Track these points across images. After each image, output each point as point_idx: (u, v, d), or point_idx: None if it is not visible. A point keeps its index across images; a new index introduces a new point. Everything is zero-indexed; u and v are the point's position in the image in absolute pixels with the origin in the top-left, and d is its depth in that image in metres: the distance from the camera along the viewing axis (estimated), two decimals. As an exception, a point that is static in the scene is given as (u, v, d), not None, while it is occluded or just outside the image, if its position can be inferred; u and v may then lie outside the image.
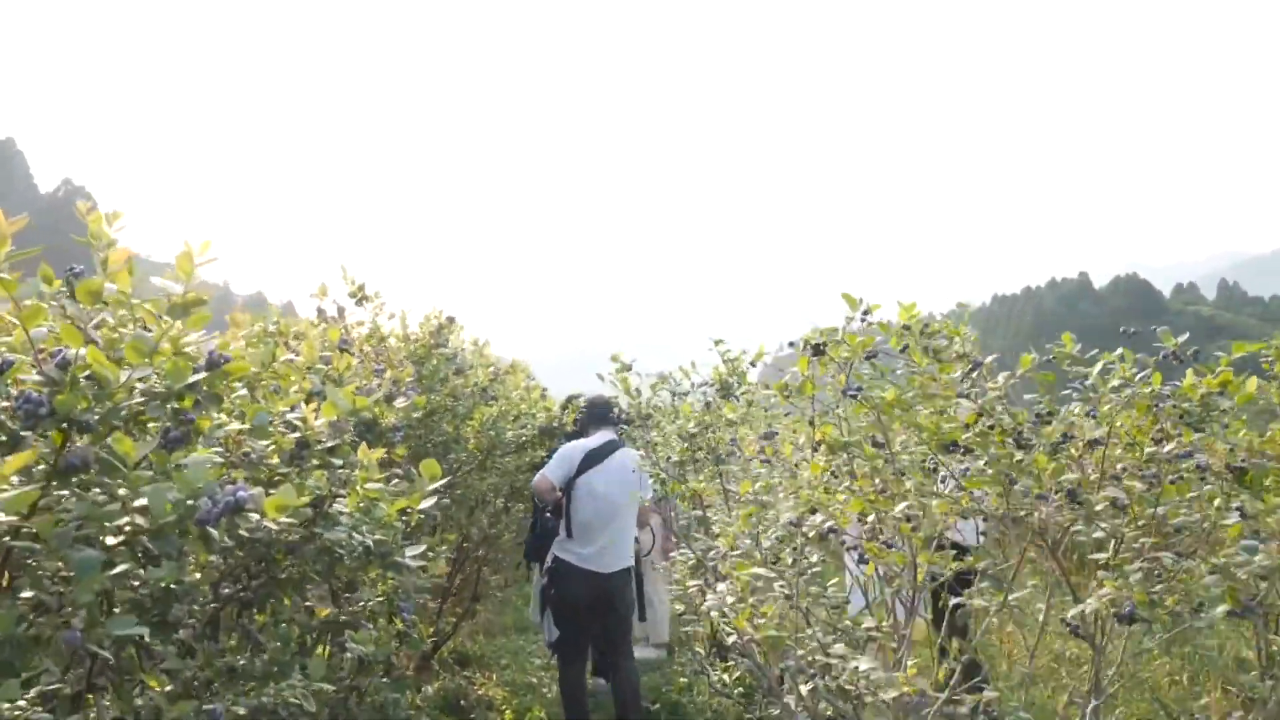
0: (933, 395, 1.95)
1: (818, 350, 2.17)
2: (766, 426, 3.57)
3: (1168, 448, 2.01)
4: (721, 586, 2.42)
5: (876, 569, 2.31)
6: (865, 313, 2.15)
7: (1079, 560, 3.95)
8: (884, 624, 2.20)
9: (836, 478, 2.41)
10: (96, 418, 1.34)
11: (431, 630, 5.01)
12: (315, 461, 1.81)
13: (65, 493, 1.32)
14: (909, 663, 2.11)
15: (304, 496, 1.55)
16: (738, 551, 2.49)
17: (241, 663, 1.80)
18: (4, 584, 1.33)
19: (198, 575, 1.63)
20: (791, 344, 2.39)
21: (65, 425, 1.31)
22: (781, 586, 2.21)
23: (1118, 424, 2.14)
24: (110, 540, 1.28)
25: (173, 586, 1.47)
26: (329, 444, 1.82)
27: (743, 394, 3.64)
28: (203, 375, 1.47)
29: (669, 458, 3.53)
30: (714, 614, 2.42)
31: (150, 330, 1.49)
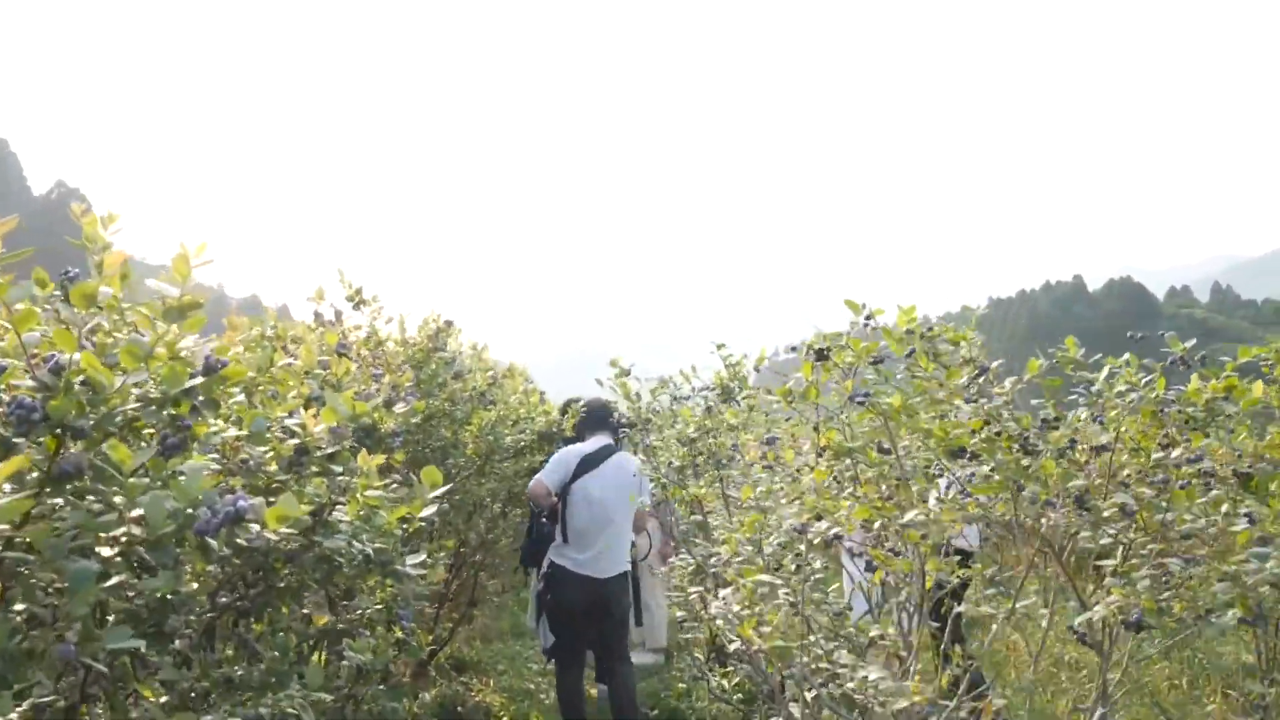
0: (939, 401, 1.93)
1: (821, 355, 2.15)
2: (766, 431, 3.56)
3: (1175, 453, 2.00)
4: (724, 593, 2.40)
5: (885, 576, 2.28)
6: (869, 317, 2.13)
7: (1076, 564, 3.93)
8: (891, 631, 2.17)
9: (839, 483, 2.39)
10: (91, 424, 1.31)
11: (429, 637, 4.97)
12: (315, 468, 1.79)
13: (59, 501, 1.30)
14: (914, 670, 2.10)
15: (304, 504, 1.52)
16: (740, 558, 2.46)
17: (239, 673, 1.77)
18: (-3, 596, 1.30)
19: (195, 585, 1.60)
20: (793, 348, 2.37)
21: (59, 431, 1.28)
22: (786, 594, 2.19)
23: (1123, 429, 2.13)
24: (106, 551, 1.25)
25: (169, 597, 1.44)
26: (329, 450, 1.79)
27: (744, 399, 3.62)
28: (199, 380, 1.44)
29: (670, 463, 3.51)
30: (719, 621, 2.40)
31: (145, 334, 1.47)
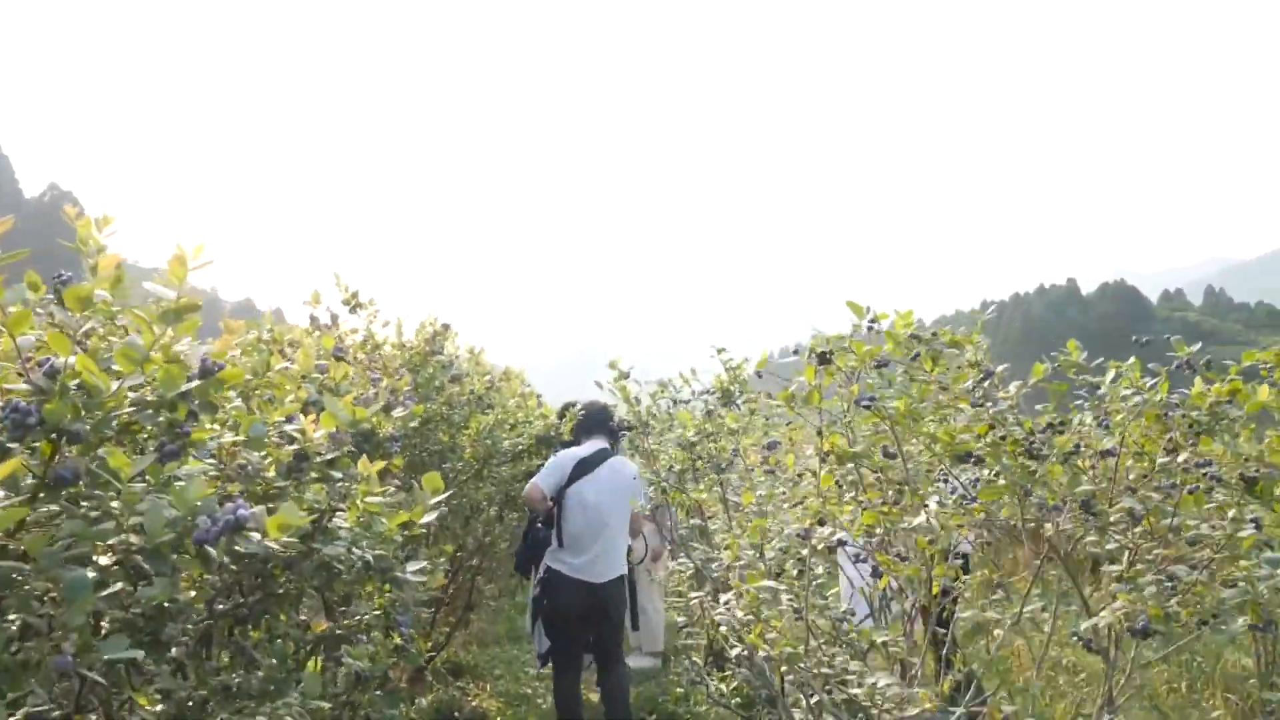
0: (946, 405, 1.92)
1: (824, 359, 2.13)
2: (764, 435, 3.54)
3: (1182, 457, 1.98)
4: (726, 598, 2.38)
5: (891, 581, 2.26)
6: (873, 321, 2.11)
7: (1076, 568, 3.93)
8: (899, 637, 2.15)
9: (841, 488, 2.37)
10: (87, 428, 1.28)
11: (429, 644, 4.95)
12: (314, 475, 1.76)
13: (54, 508, 1.27)
14: (919, 676, 2.08)
15: (303, 511, 1.50)
16: (741, 562, 2.44)
17: (237, 680, 1.75)
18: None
19: (192, 593, 1.57)
20: (795, 351, 2.35)
21: (54, 436, 1.26)
22: (790, 600, 2.16)
23: (1127, 434, 2.11)
24: (103, 560, 1.23)
25: (166, 605, 1.41)
26: (328, 456, 1.76)
27: (745, 402, 3.60)
28: (196, 384, 1.42)
29: (670, 467, 3.49)
30: (723, 628, 2.38)
31: (138, 337, 1.44)
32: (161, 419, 1.39)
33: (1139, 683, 4.49)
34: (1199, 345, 2.15)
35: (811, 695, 2.16)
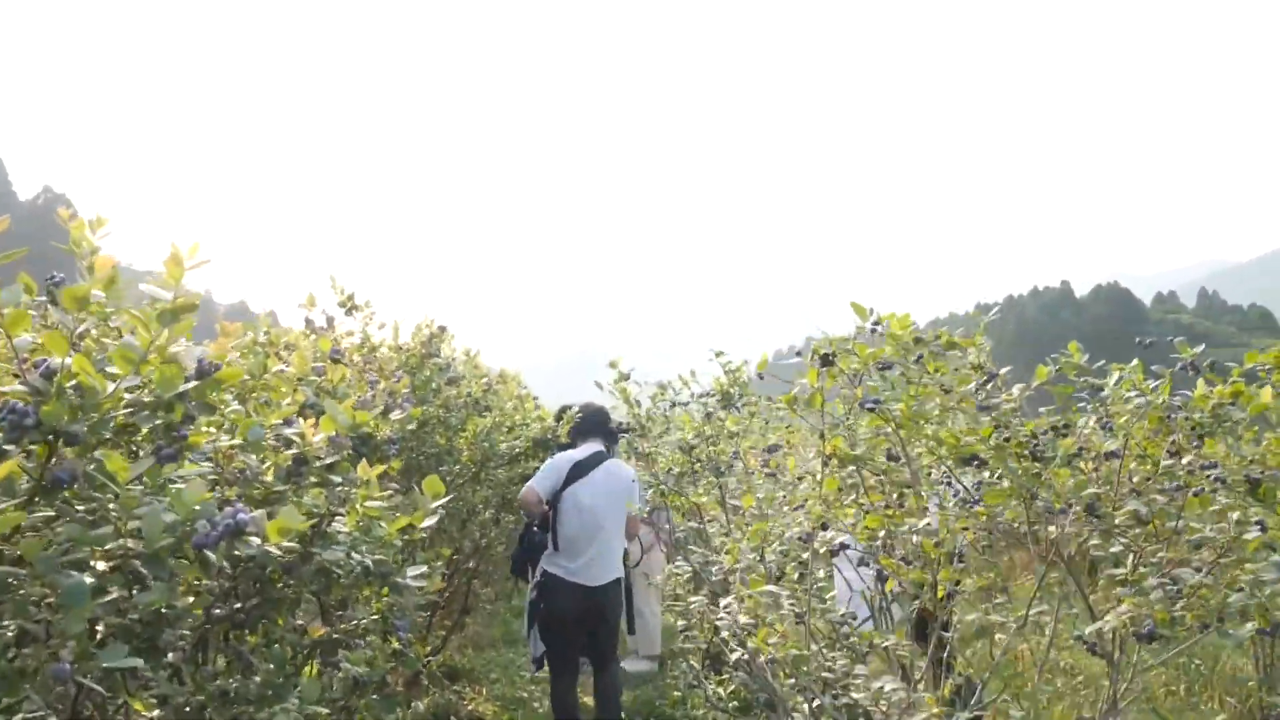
0: (950, 408, 1.90)
1: (826, 361, 2.12)
2: (764, 438, 3.53)
3: (1186, 459, 1.98)
4: (726, 601, 2.36)
5: (897, 584, 2.25)
6: (876, 323, 2.09)
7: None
8: (905, 642, 2.14)
9: (843, 491, 2.35)
10: (85, 429, 1.26)
11: (426, 649, 4.92)
12: (313, 479, 1.74)
13: (50, 511, 1.25)
14: (920, 680, 2.07)
15: (302, 515, 1.48)
16: (742, 565, 2.43)
17: (234, 685, 1.73)
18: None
19: (190, 599, 1.55)
20: (798, 353, 2.33)
21: (51, 437, 1.24)
22: (792, 604, 2.15)
23: (1131, 437, 2.10)
24: (100, 565, 1.21)
25: (163, 610, 1.40)
26: (328, 460, 1.74)
27: (744, 405, 3.59)
28: (193, 384, 1.40)
29: (669, 469, 3.47)
30: (725, 633, 2.36)
31: (133, 338, 1.42)
32: (159, 420, 1.37)
33: (1139, 686, 4.48)
34: (1203, 347, 2.14)
35: (812, 699, 2.14)
